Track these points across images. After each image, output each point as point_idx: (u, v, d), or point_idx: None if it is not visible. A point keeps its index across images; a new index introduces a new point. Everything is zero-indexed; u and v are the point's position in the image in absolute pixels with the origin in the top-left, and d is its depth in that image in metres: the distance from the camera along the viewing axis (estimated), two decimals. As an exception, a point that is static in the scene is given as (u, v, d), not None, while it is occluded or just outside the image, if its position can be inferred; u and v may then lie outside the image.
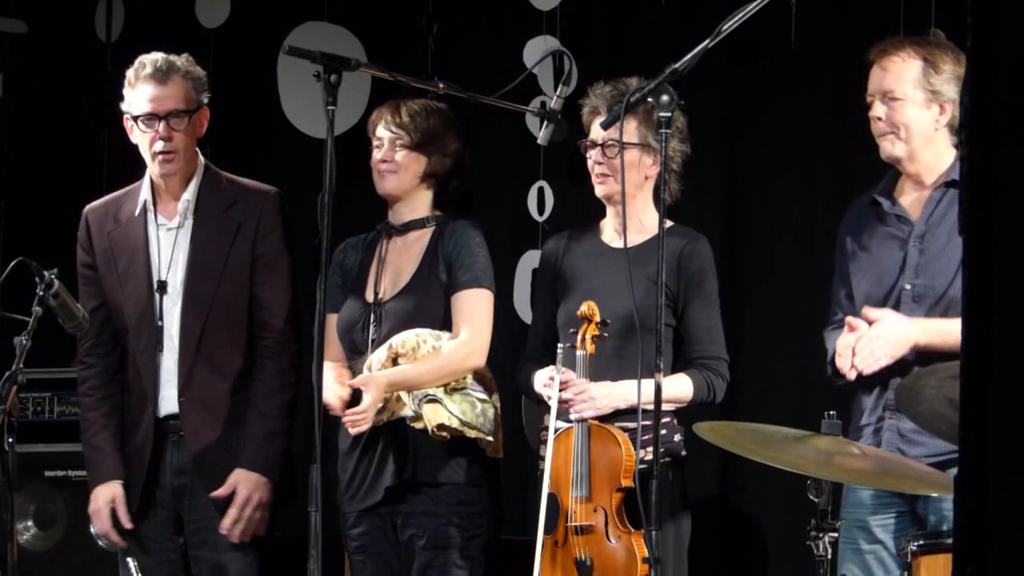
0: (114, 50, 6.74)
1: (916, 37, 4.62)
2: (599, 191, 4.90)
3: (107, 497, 4.98)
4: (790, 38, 5.84)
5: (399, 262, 4.97)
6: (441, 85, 4.64)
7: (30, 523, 6.25)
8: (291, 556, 4.76)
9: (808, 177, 5.90)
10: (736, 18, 4.06)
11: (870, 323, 4.42)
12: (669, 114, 4.18)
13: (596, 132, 4.88)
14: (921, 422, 4.04)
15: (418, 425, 4.77)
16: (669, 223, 4.66)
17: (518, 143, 6.18)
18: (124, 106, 4.96)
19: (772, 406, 5.75)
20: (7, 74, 6.99)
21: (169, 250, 4.98)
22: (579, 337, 4.73)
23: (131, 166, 5.14)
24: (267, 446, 4.92)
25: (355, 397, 4.81)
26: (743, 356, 5.61)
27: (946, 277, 4.44)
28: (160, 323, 4.95)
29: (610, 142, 4.81)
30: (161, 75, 4.91)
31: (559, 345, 4.76)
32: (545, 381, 4.78)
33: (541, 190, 6.27)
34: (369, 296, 4.95)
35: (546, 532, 4.65)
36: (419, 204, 5.00)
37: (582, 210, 5.39)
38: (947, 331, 4.32)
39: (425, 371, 4.77)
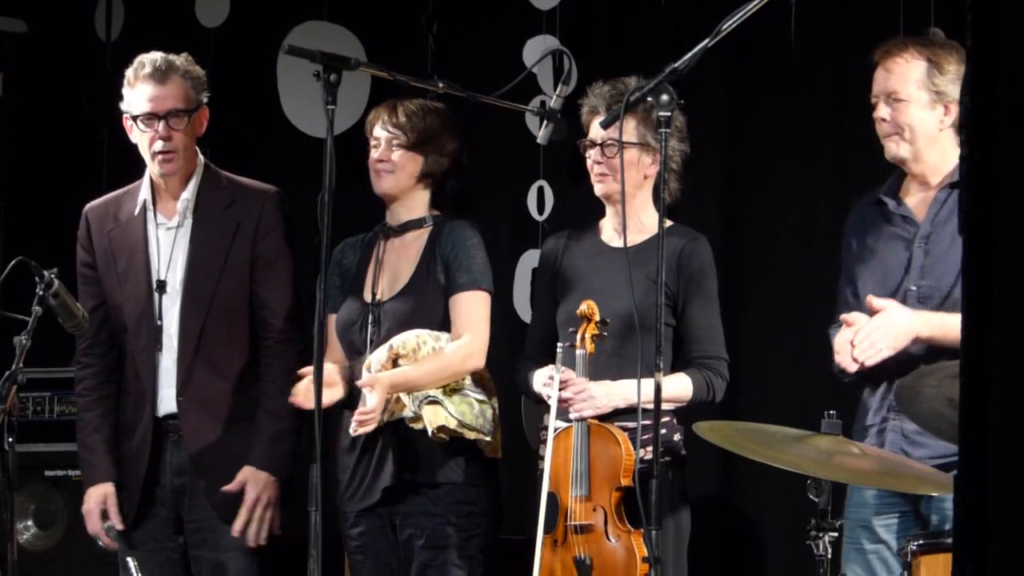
0: (114, 49, 6.74)
1: (920, 38, 4.62)
2: (598, 190, 4.90)
3: (98, 498, 4.99)
4: (790, 37, 5.84)
5: (397, 263, 4.97)
6: (441, 84, 4.64)
7: (30, 523, 6.25)
8: (291, 556, 4.76)
9: (808, 177, 5.90)
10: (736, 17, 4.06)
11: (874, 312, 4.42)
12: (669, 113, 4.18)
13: (595, 131, 4.88)
14: (921, 422, 4.04)
15: (417, 426, 4.77)
16: (669, 223, 4.66)
17: (518, 142, 6.18)
18: (123, 106, 4.96)
19: (772, 406, 5.75)
20: (7, 73, 6.99)
21: (168, 249, 4.99)
22: (579, 336, 4.73)
23: (131, 166, 5.14)
24: (276, 445, 4.92)
25: (351, 397, 4.82)
26: (743, 356, 5.61)
27: (951, 278, 4.43)
28: (159, 322, 4.95)
29: (609, 141, 4.81)
30: (160, 75, 4.91)
31: (559, 344, 4.76)
32: (544, 380, 4.78)
33: (541, 189, 6.27)
34: (367, 297, 4.95)
35: (546, 531, 4.65)
36: (416, 204, 5.00)
37: (582, 210, 5.39)
38: (949, 325, 4.32)
39: (425, 373, 4.77)
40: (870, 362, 4.41)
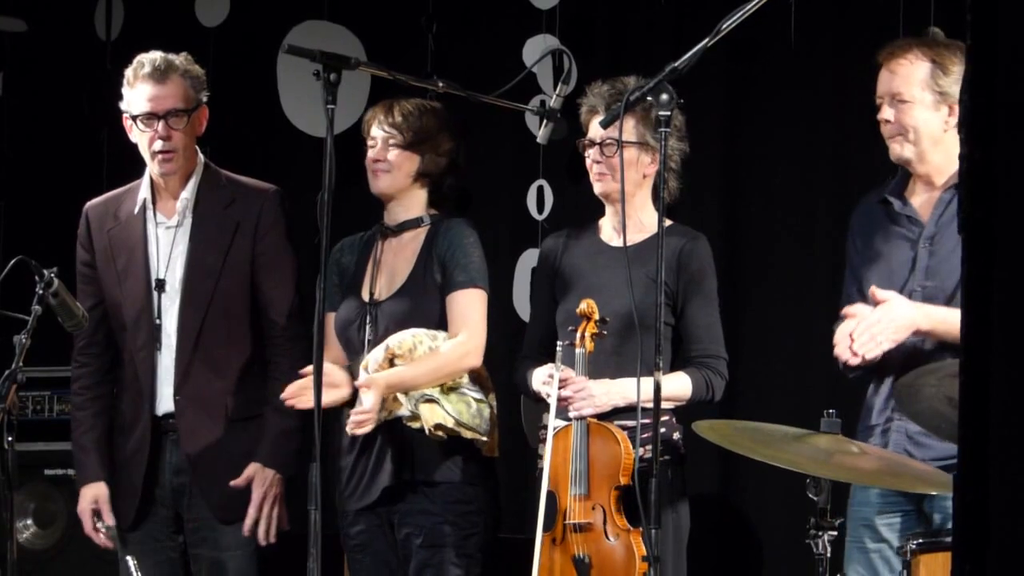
0: (114, 49, 6.73)
1: (924, 38, 4.62)
2: (597, 189, 4.90)
3: (90, 499, 5.00)
4: (790, 37, 5.83)
5: (394, 262, 4.98)
6: (440, 84, 4.64)
7: (30, 521, 6.26)
8: (290, 554, 4.76)
9: (808, 176, 5.90)
10: (735, 17, 4.06)
11: (877, 304, 4.43)
12: (668, 113, 4.18)
13: (594, 131, 4.88)
14: (920, 421, 4.04)
15: (415, 425, 4.78)
16: (668, 222, 4.66)
17: (517, 142, 6.18)
18: (123, 105, 4.96)
19: (771, 405, 5.75)
20: (7, 73, 6.99)
21: (168, 248, 4.99)
22: (578, 335, 4.73)
23: (131, 165, 5.14)
24: (284, 442, 4.92)
25: (353, 396, 4.82)
26: (742, 355, 5.61)
27: (956, 278, 4.43)
28: (158, 321, 4.95)
29: (608, 140, 4.81)
30: (160, 74, 4.91)
31: (558, 343, 4.76)
32: (544, 379, 4.78)
33: (540, 189, 6.27)
34: (364, 296, 4.96)
35: (544, 530, 4.65)
36: (413, 203, 5.00)
37: (581, 209, 5.39)
38: (949, 320, 4.32)
39: (422, 372, 4.77)
40: (870, 355, 4.41)
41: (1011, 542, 2.04)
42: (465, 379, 4.85)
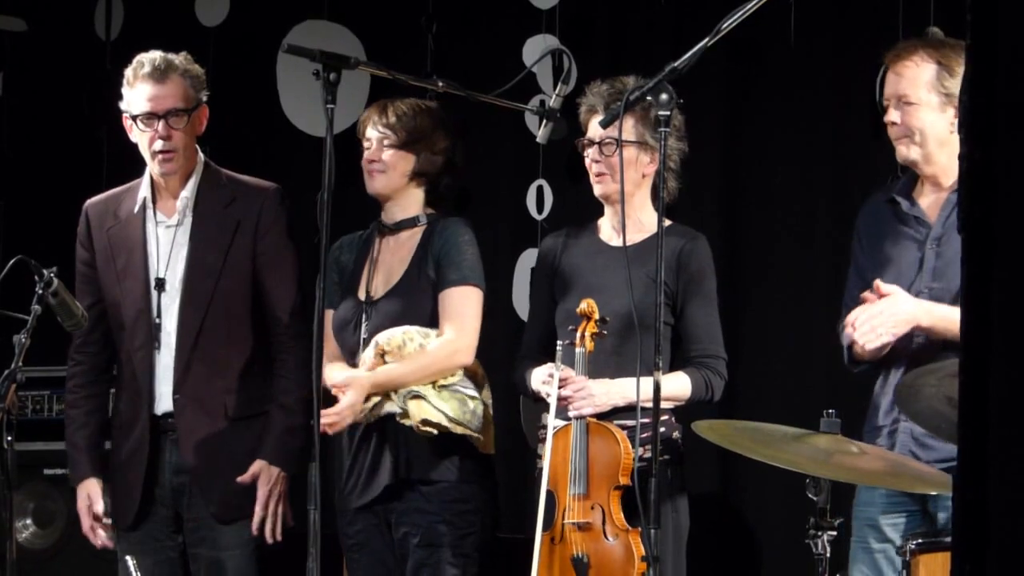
0: (113, 48, 6.73)
1: (931, 40, 4.62)
2: (597, 191, 4.90)
3: (84, 497, 5.00)
4: (789, 37, 5.83)
5: (391, 261, 4.99)
6: (440, 83, 4.64)
7: (29, 521, 6.26)
8: (290, 554, 4.76)
9: (808, 177, 5.90)
10: (735, 17, 4.06)
11: (881, 296, 4.44)
12: (668, 113, 4.18)
13: (593, 130, 4.88)
14: (920, 421, 4.04)
15: (407, 422, 4.78)
16: (668, 222, 4.66)
17: (517, 142, 6.18)
18: (123, 105, 4.96)
19: (771, 405, 5.75)
20: (6, 72, 6.99)
21: (168, 247, 4.98)
22: (578, 334, 4.73)
23: (130, 165, 5.14)
24: (288, 439, 4.92)
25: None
26: (742, 355, 5.61)
27: None
28: (158, 320, 4.95)
29: (607, 140, 4.81)
30: (160, 74, 4.91)
31: (558, 342, 4.76)
32: (544, 378, 4.78)
33: (540, 189, 6.27)
34: (361, 295, 4.97)
35: (543, 529, 4.65)
36: (410, 203, 5.01)
37: (581, 209, 5.39)
38: (950, 318, 4.32)
39: (410, 370, 4.78)
40: (869, 346, 4.43)
41: (1011, 542, 2.04)
42: (459, 376, 4.85)
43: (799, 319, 5.81)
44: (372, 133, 4.99)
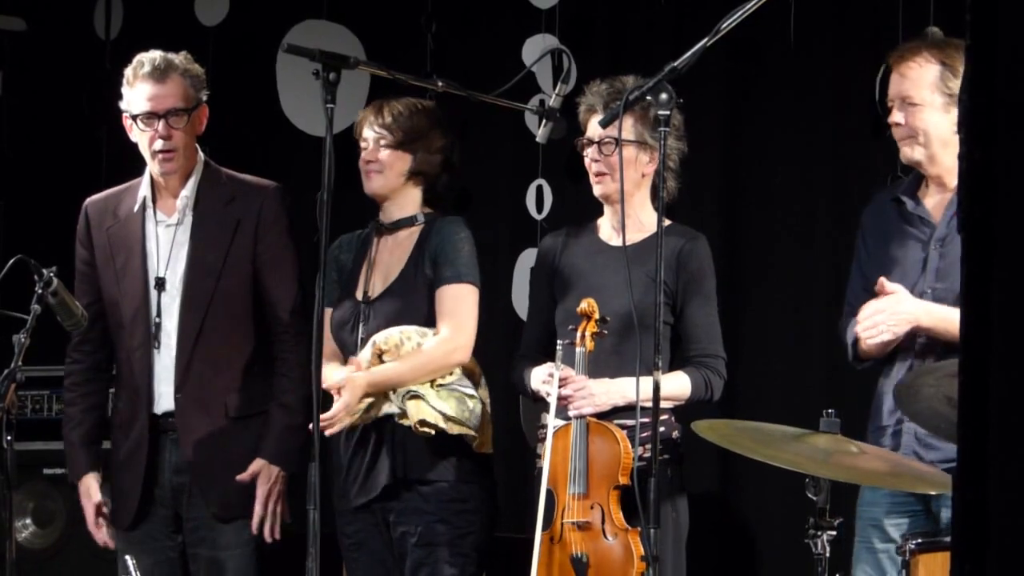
0: (113, 48, 6.73)
1: (935, 40, 4.62)
2: (597, 191, 4.90)
3: (84, 492, 5.01)
4: (789, 36, 5.83)
5: (389, 260, 4.99)
6: (440, 83, 4.64)
7: (28, 521, 6.26)
8: (289, 553, 4.76)
9: (808, 177, 5.90)
10: (735, 16, 4.07)
11: (884, 295, 4.45)
12: (668, 112, 4.18)
13: (593, 130, 4.88)
14: (920, 421, 4.04)
15: (405, 422, 4.78)
16: (667, 222, 4.66)
17: (517, 141, 6.17)
18: (123, 105, 4.95)
19: (771, 404, 5.75)
20: (6, 72, 6.99)
21: (168, 247, 4.98)
22: (579, 334, 4.73)
23: (130, 164, 5.13)
24: (289, 438, 4.92)
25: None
26: (742, 355, 5.61)
27: None
28: (158, 320, 4.95)
29: (607, 139, 4.81)
30: (160, 73, 4.91)
31: (558, 342, 4.76)
32: (544, 378, 4.78)
33: (540, 188, 6.27)
34: (359, 295, 4.97)
35: (543, 529, 4.65)
36: (408, 202, 5.01)
37: (581, 208, 5.39)
38: (951, 319, 4.33)
39: (407, 369, 4.78)
40: (870, 342, 4.45)
41: (1011, 542, 2.04)
42: (457, 374, 4.85)
43: (799, 319, 5.81)
44: (369, 133, 4.99)
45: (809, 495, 3.99)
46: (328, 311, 4.94)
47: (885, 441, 4.49)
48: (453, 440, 4.80)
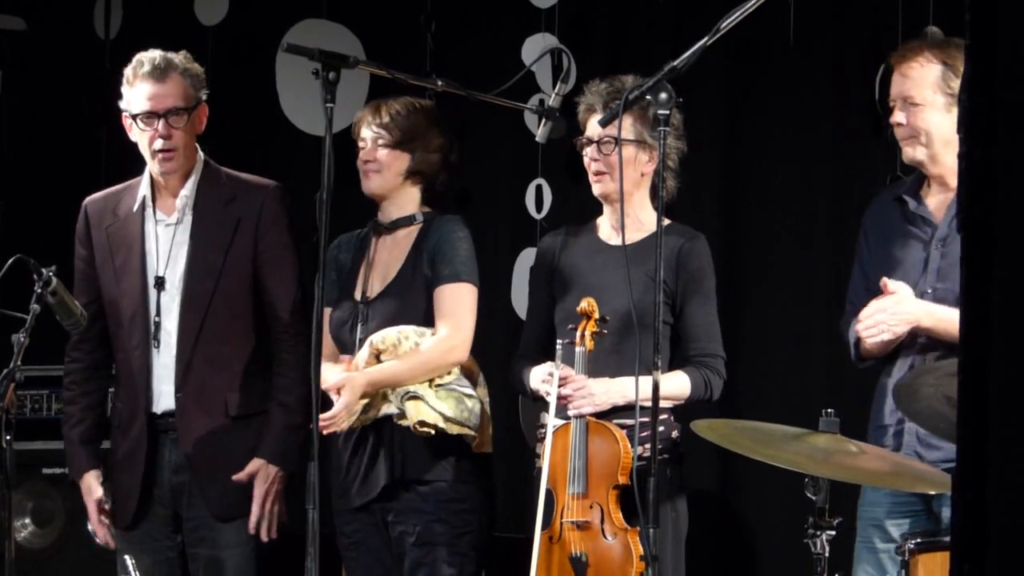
0: (113, 47, 6.73)
1: (936, 40, 4.62)
2: (596, 191, 4.90)
3: (85, 490, 5.01)
4: (789, 36, 5.83)
5: (387, 260, 4.99)
6: (440, 83, 4.64)
7: (28, 520, 6.26)
8: (289, 553, 4.76)
9: (808, 176, 5.90)
10: (735, 16, 4.06)
11: (886, 294, 4.45)
12: (667, 112, 4.18)
13: (592, 129, 4.88)
14: (920, 421, 4.04)
15: (405, 422, 4.78)
16: (667, 221, 4.66)
17: (516, 141, 6.17)
18: (123, 104, 4.95)
19: (770, 404, 5.75)
20: (6, 72, 6.99)
21: (168, 246, 4.98)
22: (578, 333, 4.73)
23: (130, 164, 5.13)
24: (287, 438, 4.91)
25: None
26: (742, 354, 5.61)
27: None
28: (157, 319, 4.95)
29: (606, 139, 4.81)
30: (159, 73, 4.91)
31: (558, 341, 4.76)
32: (543, 377, 4.78)
33: (539, 188, 6.27)
34: (357, 295, 4.97)
35: (542, 528, 4.65)
36: (406, 202, 5.01)
37: (580, 208, 5.39)
38: (950, 320, 4.33)
39: (406, 369, 4.78)
40: (870, 341, 4.45)
41: (1011, 542, 2.03)
42: (455, 374, 4.85)
43: (799, 319, 5.81)
44: (366, 133, 4.99)
45: (808, 495, 3.99)
46: (327, 311, 4.94)
47: (886, 440, 4.49)
48: (452, 440, 4.80)
